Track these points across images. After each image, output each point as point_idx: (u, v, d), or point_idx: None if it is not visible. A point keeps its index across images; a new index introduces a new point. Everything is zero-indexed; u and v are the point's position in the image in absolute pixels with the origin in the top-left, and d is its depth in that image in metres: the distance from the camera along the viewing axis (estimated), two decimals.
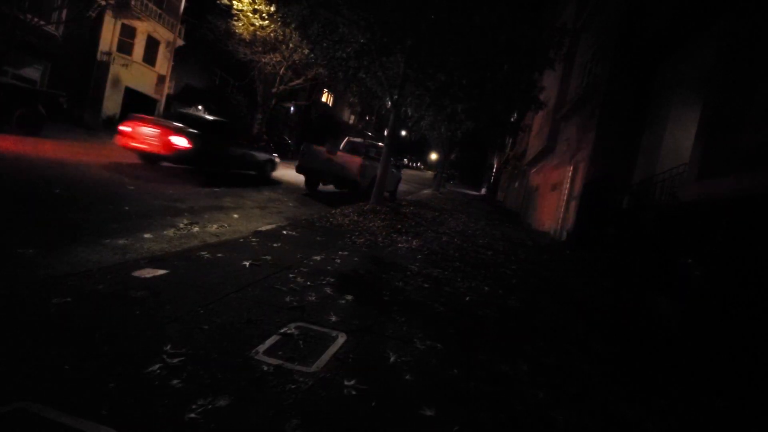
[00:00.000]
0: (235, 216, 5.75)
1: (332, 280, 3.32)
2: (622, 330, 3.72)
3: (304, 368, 1.88)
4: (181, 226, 4.58)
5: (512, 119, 11.75)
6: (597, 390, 2.35)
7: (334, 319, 2.53)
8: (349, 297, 2.97)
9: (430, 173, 57.70)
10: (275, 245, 4.16)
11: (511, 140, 26.09)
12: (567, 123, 11.52)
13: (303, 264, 3.65)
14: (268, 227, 5.12)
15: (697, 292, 4.17)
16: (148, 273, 2.79)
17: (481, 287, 4.13)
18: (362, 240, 5.24)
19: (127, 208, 4.86)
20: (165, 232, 4.20)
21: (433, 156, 63.02)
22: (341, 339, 2.27)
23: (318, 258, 3.96)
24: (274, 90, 21.05)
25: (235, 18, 18.40)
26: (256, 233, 4.62)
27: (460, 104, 7.54)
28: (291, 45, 18.40)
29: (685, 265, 4.25)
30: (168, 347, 1.87)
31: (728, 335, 3.65)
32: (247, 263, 3.32)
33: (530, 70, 7.60)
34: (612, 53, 8.77)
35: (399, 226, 6.86)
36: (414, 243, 5.78)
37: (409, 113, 9.41)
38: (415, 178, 36.41)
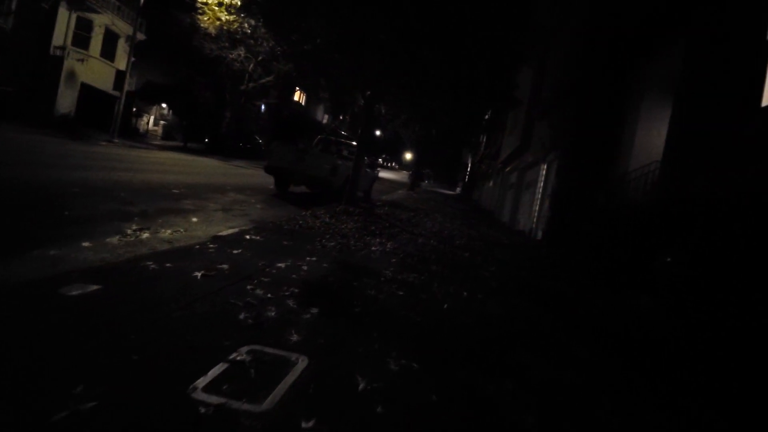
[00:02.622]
0: (194, 219, 5.30)
1: (297, 290, 2.98)
2: (605, 333, 3.55)
3: (253, 407, 1.55)
4: (129, 232, 4.12)
5: (486, 117, 11.64)
6: (586, 405, 2.12)
7: (295, 338, 2.20)
8: (315, 310, 2.64)
9: (404, 173, 57.73)
10: (235, 252, 3.77)
11: (485, 139, 26.24)
12: (541, 122, 11.52)
13: (265, 273, 3.29)
14: (230, 231, 4.71)
15: (677, 290, 4.07)
16: (77, 289, 2.38)
17: (460, 292, 3.88)
18: (333, 244, 4.90)
19: (67, 212, 4.35)
20: (108, 240, 3.75)
21: (408, 156, 63.10)
22: (302, 364, 1.94)
23: (283, 265, 3.60)
24: (242, 87, 20.34)
25: (200, 12, 17.64)
26: (215, 238, 4.21)
27: (435, 101, 7.31)
28: (259, 39, 17.68)
29: (664, 264, 4.16)
30: (80, 388, 1.49)
31: (710, 333, 3.54)
32: (199, 274, 2.94)
33: (506, 67, 7.45)
34: (586, 52, 8.76)
35: (373, 228, 6.56)
36: (388, 245, 5.49)
37: (383, 111, 9.13)
38: (389, 178, 36.25)
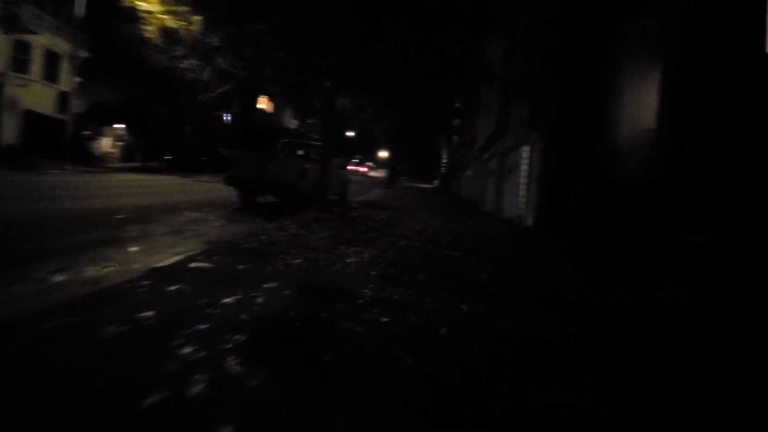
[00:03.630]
0: (134, 249, 4.45)
1: (242, 338, 2.21)
2: (649, 344, 2.91)
3: None
4: (40, 276, 3.26)
5: (458, 104, 11.06)
6: None
7: None
8: (264, 372, 1.88)
9: (381, 171, 57.08)
10: (171, 288, 2.96)
11: (460, 124, 25.71)
12: (517, 101, 10.97)
13: (203, 316, 2.50)
14: (174, 260, 3.88)
15: (720, 275, 3.47)
16: None
17: (457, 306, 3.19)
18: (299, 260, 4.13)
19: None
20: (6, 290, 2.90)
21: (382, 154, 62.43)
22: None
23: (231, 300, 2.82)
24: (200, 99, 19.19)
25: (144, 21, 16.38)
26: (152, 272, 3.38)
27: (403, 86, 6.61)
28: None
29: (691, 244, 3.57)
30: None
31: None
32: (108, 331, 2.14)
33: (474, 39, 6.79)
34: (558, 17, 8.20)
35: (347, 235, 5.81)
36: (366, 255, 4.75)
37: (347, 105, 8.38)
38: (365, 178, 35.54)
